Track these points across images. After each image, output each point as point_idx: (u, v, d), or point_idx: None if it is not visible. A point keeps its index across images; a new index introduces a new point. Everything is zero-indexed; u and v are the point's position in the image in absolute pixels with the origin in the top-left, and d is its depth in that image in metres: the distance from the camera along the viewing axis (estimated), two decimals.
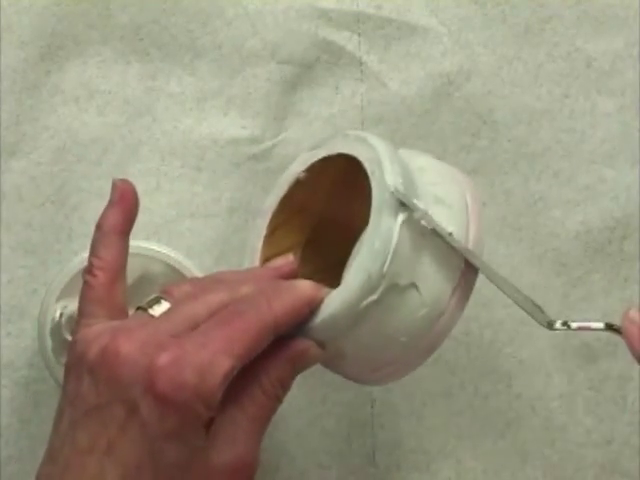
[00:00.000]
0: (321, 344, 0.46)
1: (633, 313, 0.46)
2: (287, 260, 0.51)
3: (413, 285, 0.46)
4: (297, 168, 0.51)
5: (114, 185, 0.49)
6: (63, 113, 0.61)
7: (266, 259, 0.51)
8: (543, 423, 0.61)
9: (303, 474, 0.61)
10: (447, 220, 0.47)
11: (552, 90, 0.62)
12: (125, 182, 0.49)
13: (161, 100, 0.62)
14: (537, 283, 0.61)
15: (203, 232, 0.61)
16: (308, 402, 0.61)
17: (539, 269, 0.62)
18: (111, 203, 0.49)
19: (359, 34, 0.62)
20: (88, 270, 0.48)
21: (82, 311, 0.47)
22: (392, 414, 0.61)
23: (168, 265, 0.57)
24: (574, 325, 0.46)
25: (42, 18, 0.61)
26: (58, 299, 0.56)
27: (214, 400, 0.43)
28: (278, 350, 0.46)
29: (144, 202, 0.61)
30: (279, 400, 0.46)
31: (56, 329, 0.57)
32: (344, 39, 0.62)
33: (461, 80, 0.62)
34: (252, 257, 0.51)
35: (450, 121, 0.62)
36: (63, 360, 0.57)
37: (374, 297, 0.45)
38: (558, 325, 0.46)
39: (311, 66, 0.62)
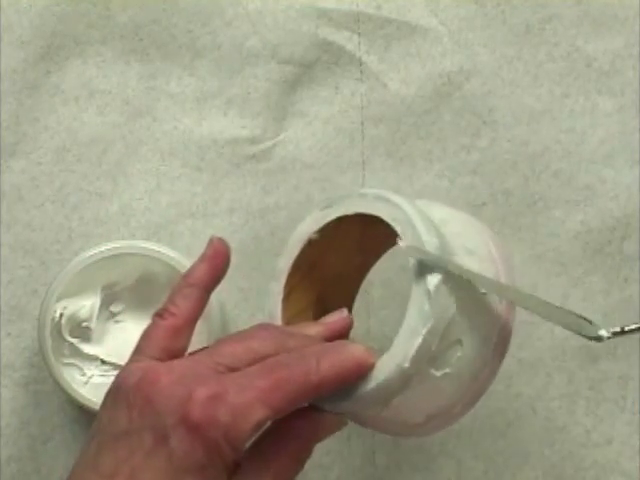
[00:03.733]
0: (366, 408, 0.46)
1: None
2: (341, 315, 0.50)
3: (459, 341, 0.46)
4: (308, 228, 0.51)
5: (210, 241, 0.50)
6: (63, 113, 0.61)
7: (286, 322, 0.50)
8: (543, 423, 0.61)
9: (303, 474, 0.61)
10: (480, 272, 0.47)
11: (552, 90, 0.62)
12: (221, 241, 0.50)
13: (161, 100, 0.62)
14: (537, 283, 0.61)
15: (203, 232, 0.61)
16: None
17: (539, 269, 0.62)
18: (203, 258, 0.50)
19: (359, 34, 0.62)
20: (159, 312, 0.48)
21: (138, 347, 0.47)
22: None
23: (168, 265, 0.57)
24: (627, 328, 0.43)
25: (42, 18, 0.61)
26: (58, 299, 0.56)
27: (241, 444, 0.42)
28: (310, 416, 0.46)
29: (144, 202, 0.61)
30: (302, 464, 0.46)
31: (56, 329, 0.57)
32: (344, 39, 0.62)
33: (461, 80, 0.62)
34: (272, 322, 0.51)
35: (450, 121, 0.62)
36: (63, 360, 0.57)
37: (426, 360, 0.45)
38: (607, 334, 0.44)
39: (311, 66, 0.62)
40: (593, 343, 0.62)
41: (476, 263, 0.48)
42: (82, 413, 0.59)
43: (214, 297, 0.51)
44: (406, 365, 0.44)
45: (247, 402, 0.42)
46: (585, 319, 0.42)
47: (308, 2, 0.62)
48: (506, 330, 0.48)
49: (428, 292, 0.45)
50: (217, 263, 0.50)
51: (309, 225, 0.51)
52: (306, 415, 0.46)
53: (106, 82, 0.62)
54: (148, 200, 0.61)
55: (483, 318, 0.47)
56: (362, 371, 0.45)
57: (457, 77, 0.62)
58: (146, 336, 0.47)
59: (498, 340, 0.47)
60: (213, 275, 0.49)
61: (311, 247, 0.51)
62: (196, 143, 0.62)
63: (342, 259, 0.53)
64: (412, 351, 0.44)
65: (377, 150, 0.62)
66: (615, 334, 0.42)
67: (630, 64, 0.62)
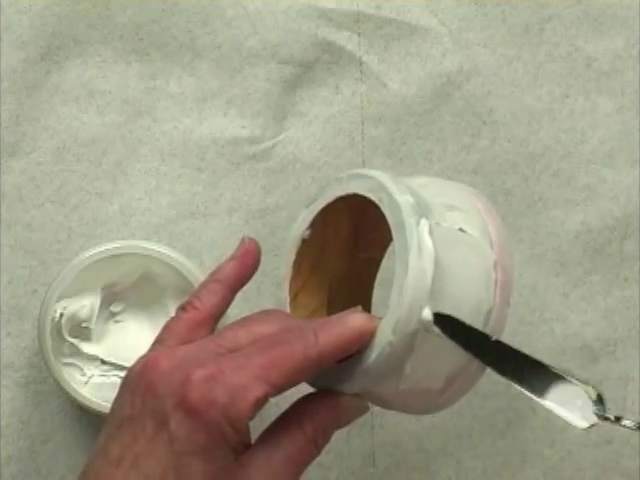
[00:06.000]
0: (379, 381, 0.46)
1: None
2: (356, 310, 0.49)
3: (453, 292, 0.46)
4: (299, 229, 0.51)
5: (242, 241, 0.50)
6: (63, 113, 0.61)
7: None
8: (543, 423, 0.61)
9: (303, 474, 0.61)
10: (464, 223, 0.47)
11: (552, 90, 0.62)
12: (252, 242, 0.50)
13: (161, 100, 0.62)
14: (537, 283, 0.62)
15: (203, 232, 0.61)
16: None
17: (539, 269, 0.62)
18: (233, 257, 0.49)
19: (359, 34, 0.62)
20: (183, 305, 0.48)
21: (157, 338, 0.47)
22: (392, 414, 0.61)
23: (168, 265, 0.57)
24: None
25: (42, 18, 0.61)
26: (58, 299, 0.56)
27: (241, 424, 0.42)
28: (326, 398, 0.46)
29: (144, 202, 0.62)
30: (317, 449, 0.46)
31: (56, 329, 0.57)
32: (344, 39, 0.62)
33: (461, 80, 0.62)
34: None
35: (450, 121, 0.62)
36: (63, 360, 0.57)
37: (424, 314, 0.44)
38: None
39: (311, 66, 0.62)
40: (593, 343, 0.62)
41: (458, 216, 0.47)
42: (82, 413, 0.59)
43: None
44: (401, 323, 0.44)
45: (244, 380, 0.42)
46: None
47: (308, 2, 0.62)
48: (504, 271, 0.47)
49: (410, 246, 0.44)
50: (246, 262, 0.49)
51: (300, 226, 0.51)
52: (321, 398, 0.46)
53: (106, 82, 0.62)
54: (148, 200, 0.61)
55: (474, 265, 0.46)
56: (363, 339, 0.44)
57: (457, 77, 0.62)
58: (167, 328, 0.47)
59: (497, 283, 0.47)
60: (241, 274, 0.49)
61: (307, 247, 0.51)
62: (196, 143, 0.62)
63: (343, 256, 0.53)
64: (404, 307, 0.44)
65: (377, 150, 0.62)
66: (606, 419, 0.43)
67: (630, 64, 0.62)
